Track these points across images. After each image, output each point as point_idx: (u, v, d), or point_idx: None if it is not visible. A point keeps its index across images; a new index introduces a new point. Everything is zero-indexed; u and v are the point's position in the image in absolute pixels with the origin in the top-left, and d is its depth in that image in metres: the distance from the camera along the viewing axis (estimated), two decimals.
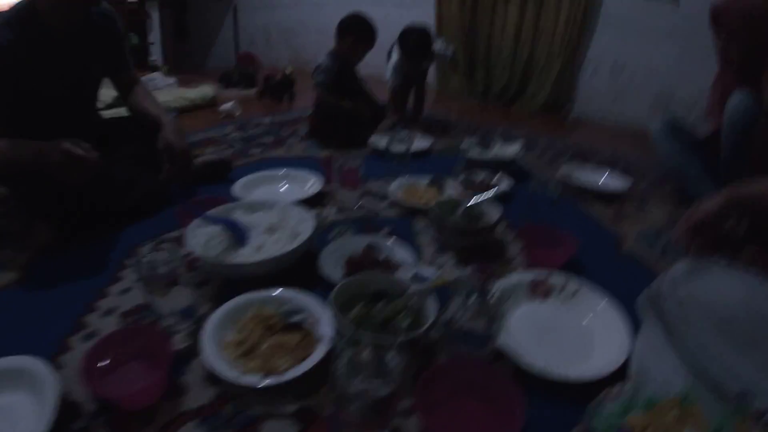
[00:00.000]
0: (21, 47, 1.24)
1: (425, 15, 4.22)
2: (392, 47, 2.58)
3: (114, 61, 1.54)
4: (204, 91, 3.12)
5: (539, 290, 1.03)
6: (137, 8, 5.36)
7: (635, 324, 0.88)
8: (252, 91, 3.57)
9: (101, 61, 1.49)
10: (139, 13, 5.41)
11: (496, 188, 1.41)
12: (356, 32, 2.16)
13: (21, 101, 1.29)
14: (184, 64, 7.38)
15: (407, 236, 1.33)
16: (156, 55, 5.75)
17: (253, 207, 1.26)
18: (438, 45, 2.51)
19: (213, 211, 1.20)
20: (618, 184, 1.81)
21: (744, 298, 0.81)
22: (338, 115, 2.13)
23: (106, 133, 1.54)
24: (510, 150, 1.87)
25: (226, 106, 2.74)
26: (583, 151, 2.42)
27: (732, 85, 1.48)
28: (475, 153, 1.85)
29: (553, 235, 1.23)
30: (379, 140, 2.07)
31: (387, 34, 4.44)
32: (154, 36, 5.72)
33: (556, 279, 1.05)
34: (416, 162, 1.89)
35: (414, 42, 2.34)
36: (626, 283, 1.02)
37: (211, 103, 3.08)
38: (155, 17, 5.71)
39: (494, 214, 1.31)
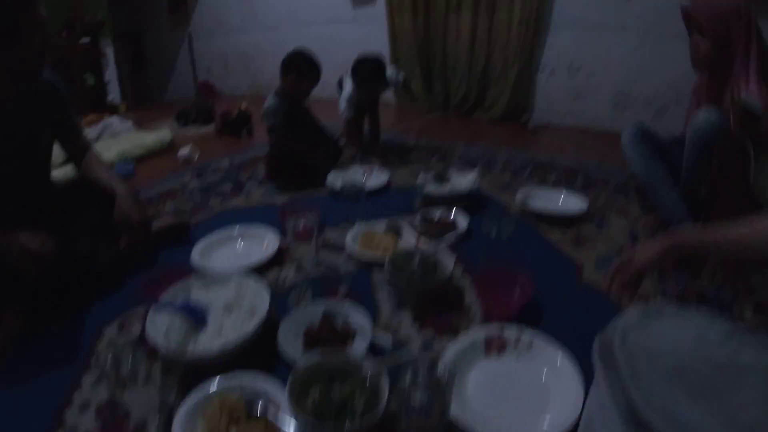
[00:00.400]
0: None
1: (378, 30, 4.25)
2: (342, 78, 2.59)
3: (62, 129, 1.51)
4: (161, 135, 3.08)
5: (494, 347, 1.05)
6: (90, 47, 5.23)
7: (592, 372, 0.86)
8: (210, 128, 3.54)
9: (47, 131, 1.46)
10: (92, 53, 5.28)
11: (451, 234, 1.42)
12: (298, 69, 2.14)
13: None
14: (143, 98, 7.30)
15: (366, 293, 1.33)
16: (113, 92, 5.64)
17: (209, 282, 1.26)
18: (389, 71, 2.53)
19: (170, 294, 1.20)
20: (576, 205, 1.81)
21: (694, 344, 0.81)
22: (294, 157, 2.13)
23: (61, 201, 1.51)
24: (466, 182, 1.89)
25: (184, 152, 2.71)
26: (542, 165, 2.45)
27: (707, 92, 1.51)
28: (431, 188, 1.86)
29: (509, 278, 1.23)
30: (335, 180, 2.08)
31: (342, 53, 4.49)
32: (111, 73, 5.61)
33: (510, 333, 1.06)
34: (374, 199, 1.90)
35: (368, 72, 2.35)
36: (587, 317, 1.04)
37: (169, 147, 3.04)
38: (110, 53, 5.59)
39: (449, 262, 1.33)
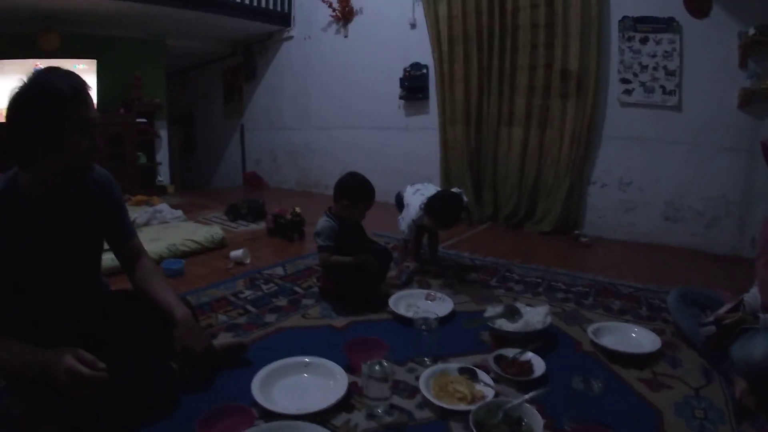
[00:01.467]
0: (2, 226, 1.18)
1: (429, 139, 4.37)
2: (401, 194, 2.59)
3: (113, 232, 1.47)
4: (213, 232, 3.10)
5: None
6: (146, 128, 5.50)
7: None
8: (261, 225, 3.56)
9: (98, 234, 1.42)
10: (148, 133, 5.56)
11: (538, 392, 1.30)
12: (350, 197, 2.11)
13: (13, 282, 1.22)
14: (190, 183, 7.60)
15: None
16: (163, 174, 5.86)
17: None
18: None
19: None
20: (650, 343, 1.72)
21: None
22: (346, 273, 2.07)
23: (112, 310, 1.46)
24: (538, 317, 1.77)
25: (237, 253, 2.69)
26: (604, 289, 2.37)
27: None
28: (502, 323, 1.75)
29: None
30: (397, 303, 2.00)
31: (392, 159, 4.60)
32: (162, 155, 5.85)
33: None
34: (441, 330, 1.79)
35: (451, 213, 2.32)
36: None
37: (220, 245, 3.04)
38: (164, 136, 5.87)
39: (535, 417, 1.21)
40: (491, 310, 1.84)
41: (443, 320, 1.90)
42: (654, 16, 3.38)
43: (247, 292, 2.25)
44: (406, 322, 1.86)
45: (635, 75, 3.49)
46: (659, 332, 1.80)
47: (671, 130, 3.38)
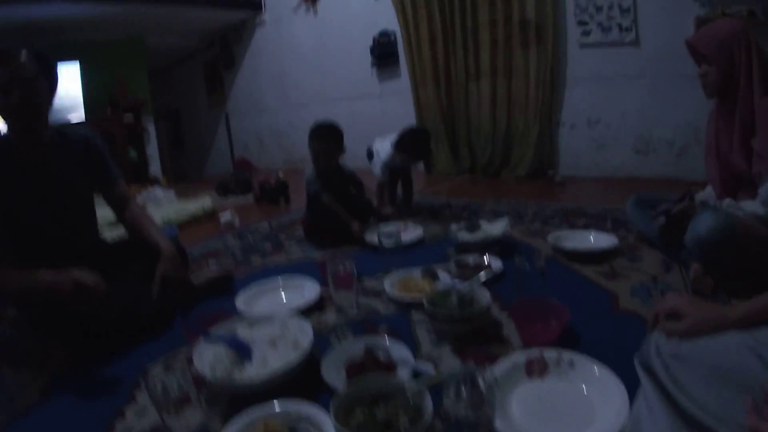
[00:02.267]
0: None
1: (403, 102, 4.52)
2: (370, 147, 2.75)
3: (99, 178, 1.64)
4: (203, 202, 3.28)
5: (535, 369, 1.07)
6: (134, 124, 5.65)
7: (635, 387, 0.87)
8: (249, 197, 3.74)
9: (84, 181, 1.59)
10: (135, 128, 5.71)
11: (484, 272, 1.47)
12: (316, 137, 2.27)
13: (11, 229, 1.41)
14: (182, 174, 7.75)
15: (405, 331, 1.37)
16: (155, 167, 6.02)
17: (254, 322, 1.32)
18: None
19: (216, 331, 1.26)
20: (607, 242, 1.86)
21: (728, 350, 0.80)
22: (331, 216, 2.24)
23: (109, 256, 1.63)
24: (497, 228, 1.95)
25: (225, 217, 2.87)
26: (571, 212, 2.50)
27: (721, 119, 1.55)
28: (464, 236, 1.93)
29: (544, 308, 1.26)
30: (372, 236, 2.17)
31: (371, 125, 4.75)
32: (152, 149, 6.00)
33: (550, 355, 1.08)
34: (410, 251, 1.97)
35: (422, 143, 2.52)
36: (626, 342, 1.05)
37: (211, 214, 3.22)
38: (151, 130, 6.01)
39: (485, 297, 1.37)
40: (454, 227, 2.01)
41: (413, 244, 2.08)
42: None
43: (236, 243, 2.43)
44: (377, 250, 2.03)
45: (591, 17, 3.59)
46: (621, 238, 1.90)
47: (632, 65, 3.46)
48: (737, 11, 3.04)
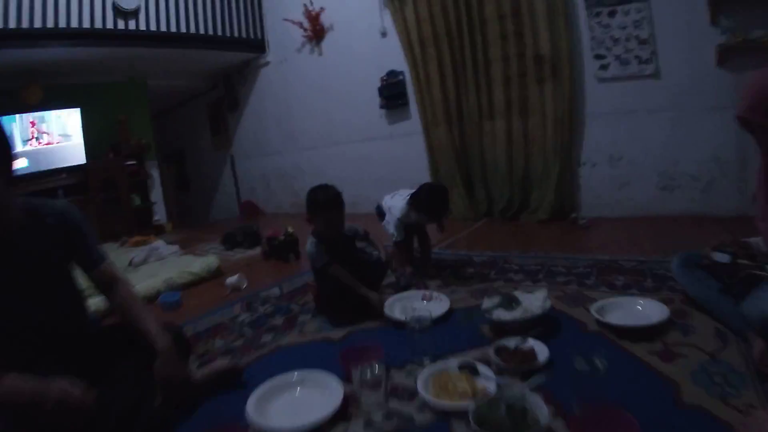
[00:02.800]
0: None
1: (414, 143, 4.36)
2: (380, 205, 2.58)
3: (80, 257, 1.43)
4: (208, 261, 3.08)
5: None
6: (136, 169, 5.52)
7: None
8: (256, 251, 3.54)
9: (63, 261, 1.39)
10: (139, 174, 5.58)
11: (534, 378, 1.26)
12: (309, 214, 2.08)
13: None
14: (188, 218, 7.61)
15: None
16: (159, 213, 5.88)
17: None
18: None
19: None
20: (658, 313, 1.64)
21: None
22: (343, 291, 2.04)
23: (99, 345, 1.42)
24: (536, 303, 1.73)
25: (232, 279, 2.67)
26: (605, 268, 2.30)
27: None
28: (500, 314, 1.71)
29: (610, 420, 1.08)
30: (392, 308, 1.96)
31: (380, 168, 4.59)
32: (156, 194, 5.88)
33: None
34: (438, 328, 1.75)
35: (439, 201, 2.35)
36: None
37: (216, 274, 3.03)
38: (155, 175, 5.89)
39: (540, 408, 1.16)
40: (488, 302, 1.80)
41: (441, 319, 1.87)
42: None
43: (244, 316, 2.22)
44: (401, 326, 1.82)
45: (608, 49, 3.47)
46: (667, 302, 1.73)
47: (653, 98, 3.34)
48: (759, 36, 2.91)
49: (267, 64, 5.82)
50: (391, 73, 4.48)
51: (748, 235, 1.63)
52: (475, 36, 3.84)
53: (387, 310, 1.95)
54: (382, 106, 4.62)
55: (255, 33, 5.68)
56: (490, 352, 1.51)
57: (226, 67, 6.13)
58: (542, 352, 1.49)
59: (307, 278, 2.67)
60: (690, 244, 2.60)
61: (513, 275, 2.37)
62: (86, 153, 5.15)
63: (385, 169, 4.54)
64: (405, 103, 4.46)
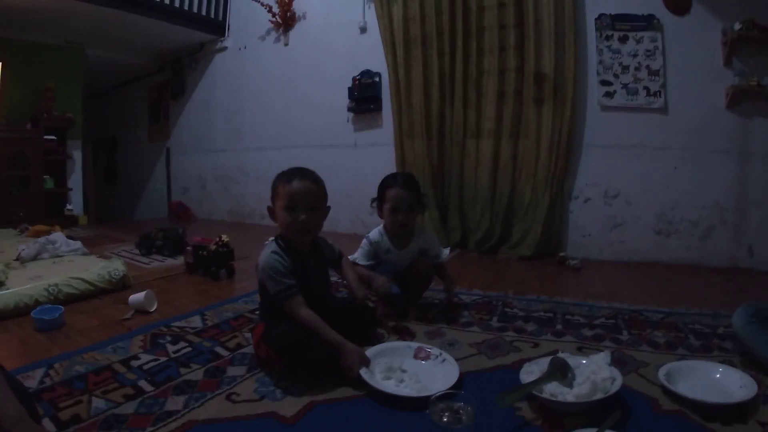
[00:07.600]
0: None
1: (383, 156, 3.81)
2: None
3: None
4: (110, 268, 2.31)
5: None
6: (55, 146, 4.65)
7: None
8: (179, 260, 2.81)
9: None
10: (57, 152, 4.71)
11: None
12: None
13: None
14: (108, 214, 6.62)
15: None
16: (75, 203, 4.94)
17: None
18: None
19: None
20: (745, 388, 1.20)
21: None
22: (308, 341, 1.37)
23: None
24: (601, 372, 1.16)
25: (138, 297, 1.95)
26: (634, 321, 1.85)
27: None
28: (557, 391, 1.13)
29: None
30: (373, 369, 1.32)
31: (341, 181, 3.97)
32: (75, 181, 4.99)
33: None
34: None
35: (407, 177, 1.91)
36: None
37: (120, 286, 2.28)
38: (77, 158, 5.01)
39: None
40: (529, 370, 1.22)
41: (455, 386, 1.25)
42: (632, 14, 3.11)
43: (145, 358, 1.49)
44: (389, 400, 1.20)
45: (616, 76, 3.14)
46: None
47: (658, 134, 3.07)
48: None
49: (224, 49, 5.13)
50: (366, 73, 3.93)
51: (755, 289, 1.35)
52: (470, 43, 3.39)
53: (364, 375, 1.28)
54: (350, 109, 4.05)
55: (216, 12, 5.00)
56: None
57: (176, 47, 5.37)
58: None
59: (241, 305, 2.00)
60: (702, 293, 2.33)
61: (522, 323, 1.82)
62: (2, 119, 4.33)
63: (346, 184, 3.88)
64: (377, 109, 3.92)
